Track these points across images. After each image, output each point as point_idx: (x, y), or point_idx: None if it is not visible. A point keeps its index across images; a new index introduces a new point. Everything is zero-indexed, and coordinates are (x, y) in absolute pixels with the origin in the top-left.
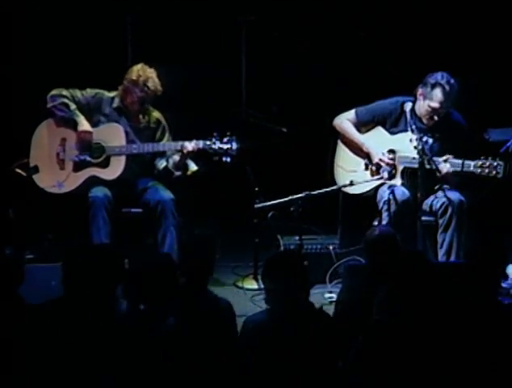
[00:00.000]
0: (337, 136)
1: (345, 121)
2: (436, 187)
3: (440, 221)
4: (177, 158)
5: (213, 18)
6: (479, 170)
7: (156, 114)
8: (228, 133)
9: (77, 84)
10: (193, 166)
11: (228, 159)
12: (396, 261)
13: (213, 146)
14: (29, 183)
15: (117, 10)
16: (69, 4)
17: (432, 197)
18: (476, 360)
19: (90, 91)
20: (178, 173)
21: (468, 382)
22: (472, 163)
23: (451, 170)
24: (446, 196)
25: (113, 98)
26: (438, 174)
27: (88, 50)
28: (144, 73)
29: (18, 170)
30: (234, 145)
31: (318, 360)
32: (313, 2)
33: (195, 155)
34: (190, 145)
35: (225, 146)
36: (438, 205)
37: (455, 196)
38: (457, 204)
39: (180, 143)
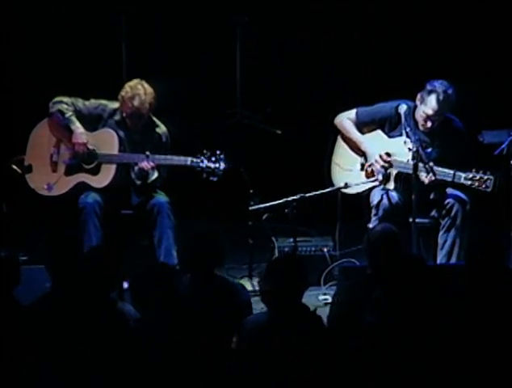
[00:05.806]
0: (337, 134)
1: (345, 120)
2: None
3: (443, 222)
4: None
5: (208, 19)
6: (469, 183)
7: (159, 130)
8: (218, 152)
9: (72, 83)
10: (154, 175)
11: (215, 179)
12: (396, 261)
13: (201, 164)
14: (23, 180)
15: (112, 11)
16: (65, 5)
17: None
18: (473, 362)
19: (93, 102)
20: (138, 182)
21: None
22: (463, 175)
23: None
24: (449, 196)
25: (115, 110)
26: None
27: (83, 50)
28: (132, 90)
29: (14, 167)
30: (222, 166)
31: (315, 363)
32: (308, 3)
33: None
34: (144, 164)
35: (213, 165)
36: (441, 207)
37: (459, 196)
38: (461, 204)
39: (183, 158)
